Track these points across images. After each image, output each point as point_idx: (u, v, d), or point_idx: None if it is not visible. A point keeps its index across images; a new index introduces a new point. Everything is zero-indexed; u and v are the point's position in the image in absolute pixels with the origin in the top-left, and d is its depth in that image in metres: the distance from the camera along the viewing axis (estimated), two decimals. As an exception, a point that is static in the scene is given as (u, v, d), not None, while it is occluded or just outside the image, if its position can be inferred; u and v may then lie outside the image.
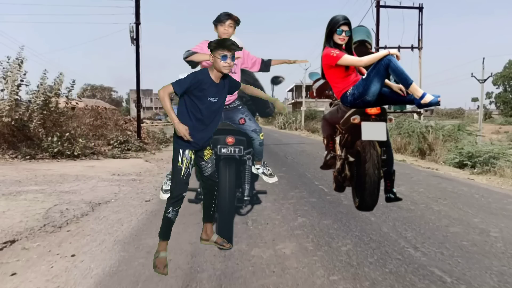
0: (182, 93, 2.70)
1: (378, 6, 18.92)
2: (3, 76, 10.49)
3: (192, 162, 2.87)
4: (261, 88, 3.74)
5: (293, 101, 55.94)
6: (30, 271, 3.05)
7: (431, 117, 27.46)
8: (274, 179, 3.55)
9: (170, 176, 3.40)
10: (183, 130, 2.68)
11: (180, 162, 2.81)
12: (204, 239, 3.14)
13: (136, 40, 15.76)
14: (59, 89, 11.53)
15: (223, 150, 3.22)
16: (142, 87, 16.55)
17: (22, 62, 10.63)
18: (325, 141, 4.26)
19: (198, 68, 3.14)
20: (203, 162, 2.96)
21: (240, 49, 2.72)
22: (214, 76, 2.75)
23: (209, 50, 2.71)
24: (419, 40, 19.43)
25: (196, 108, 2.75)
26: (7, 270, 3.06)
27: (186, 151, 2.81)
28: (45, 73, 11.14)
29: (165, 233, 2.91)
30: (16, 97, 10.56)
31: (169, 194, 3.34)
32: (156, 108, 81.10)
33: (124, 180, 7.33)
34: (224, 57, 2.66)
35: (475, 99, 60.05)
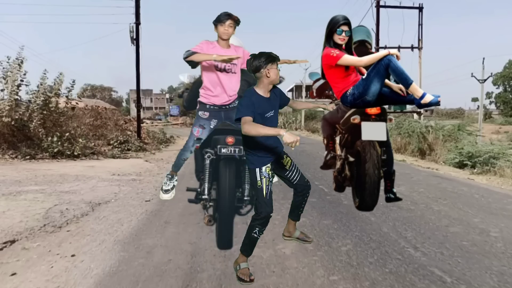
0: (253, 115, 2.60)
1: (378, 6, 18.92)
2: (3, 76, 10.49)
3: (271, 179, 2.80)
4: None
5: (293, 101, 55.87)
6: (30, 271, 3.05)
7: (431, 117, 27.48)
8: (274, 179, 3.54)
9: (170, 176, 3.41)
10: (295, 138, 2.48)
11: (259, 182, 2.73)
12: (286, 236, 3.15)
13: (136, 40, 15.76)
14: (59, 89, 11.54)
15: (223, 150, 3.22)
16: (142, 87, 16.56)
17: (22, 62, 10.63)
18: (325, 141, 4.27)
19: (198, 68, 3.14)
20: (287, 172, 2.90)
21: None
22: (263, 91, 2.71)
23: (259, 65, 2.64)
24: (419, 40, 19.44)
25: (260, 121, 2.64)
26: (7, 270, 3.06)
27: (263, 169, 2.74)
28: (45, 73, 11.16)
29: (248, 250, 2.84)
30: (16, 97, 10.56)
31: (169, 194, 3.36)
32: (156, 108, 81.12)
33: (124, 180, 7.33)
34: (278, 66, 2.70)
35: (475, 99, 60.08)
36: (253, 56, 2.66)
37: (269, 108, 2.74)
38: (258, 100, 2.67)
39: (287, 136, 2.43)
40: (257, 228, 2.76)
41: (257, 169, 2.74)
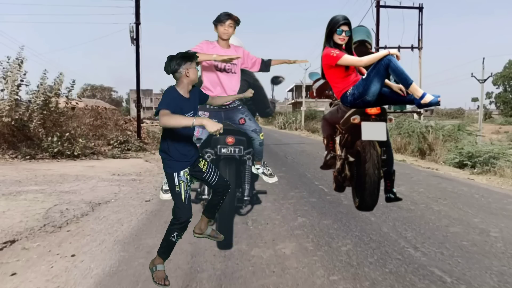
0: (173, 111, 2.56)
1: (378, 6, 18.92)
2: (3, 76, 10.49)
3: (189, 184, 2.76)
4: (261, 88, 3.74)
5: (293, 101, 55.94)
6: (30, 271, 3.05)
7: (431, 117, 27.47)
8: (274, 179, 3.55)
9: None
10: (218, 125, 2.46)
11: (177, 186, 2.70)
12: (197, 233, 3.08)
13: (136, 40, 15.75)
14: (59, 89, 11.53)
15: (223, 150, 3.22)
16: (142, 87, 16.55)
17: (22, 62, 10.63)
18: (325, 141, 4.26)
19: (199, 68, 3.14)
20: (205, 174, 2.85)
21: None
22: (184, 91, 2.67)
23: (176, 65, 2.60)
24: (419, 40, 19.43)
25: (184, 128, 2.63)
26: (7, 270, 3.06)
27: (181, 173, 2.70)
28: (45, 73, 11.15)
29: (166, 253, 2.81)
30: (16, 97, 10.56)
31: (169, 194, 3.35)
32: (156, 108, 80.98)
33: (124, 180, 7.33)
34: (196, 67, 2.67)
35: (475, 99, 60.05)
36: (171, 57, 2.61)
37: (189, 109, 2.71)
38: (179, 99, 2.64)
39: (209, 125, 2.41)
40: (175, 233, 2.73)
41: (175, 174, 2.69)
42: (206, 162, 2.86)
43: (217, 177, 2.88)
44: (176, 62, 2.59)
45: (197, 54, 2.94)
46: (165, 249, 2.77)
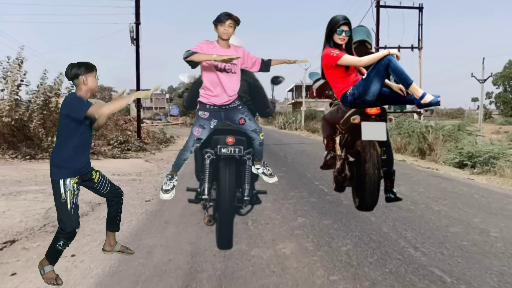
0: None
1: (378, 6, 18.92)
2: (3, 76, 10.49)
3: (76, 192, 2.74)
4: (261, 88, 3.73)
5: (293, 101, 55.92)
6: (30, 271, 3.05)
7: (431, 117, 27.47)
8: (274, 179, 3.54)
9: (170, 176, 3.40)
10: (152, 90, 2.83)
11: (63, 195, 2.68)
12: (107, 250, 3.16)
13: (136, 40, 15.76)
14: (59, 89, 11.53)
15: (223, 150, 3.21)
16: (142, 87, 16.55)
17: (22, 62, 10.63)
18: (325, 141, 4.26)
19: (198, 68, 3.14)
20: (96, 185, 2.93)
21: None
22: (86, 97, 2.79)
23: (77, 72, 2.75)
24: (419, 40, 19.44)
25: (78, 131, 2.73)
26: (7, 270, 3.06)
27: (68, 181, 2.69)
28: (45, 73, 11.16)
29: (53, 258, 2.84)
30: (16, 97, 10.56)
31: (169, 194, 3.35)
32: (156, 108, 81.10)
33: (124, 180, 7.33)
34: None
35: (475, 99, 60.04)
36: (72, 64, 2.76)
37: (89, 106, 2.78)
38: (84, 102, 2.74)
39: (140, 95, 2.88)
40: (61, 241, 2.74)
41: (61, 180, 2.69)
42: (98, 173, 2.95)
43: (109, 186, 2.99)
44: (77, 69, 2.75)
45: (197, 54, 2.95)
46: (52, 255, 2.81)
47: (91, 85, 2.78)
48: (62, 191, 2.68)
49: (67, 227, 2.70)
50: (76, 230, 2.77)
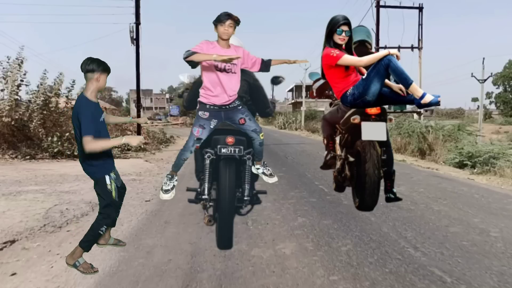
0: (95, 134, 2.87)
1: (378, 6, 18.92)
2: (3, 76, 10.50)
3: (116, 182, 3.12)
4: (261, 88, 3.73)
5: (293, 101, 55.91)
6: (30, 271, 3.06)
7: (431, 117, 27.47)
8: (274, 179, 3.54)
9: (170, 176, 3.41)
10: (140, 138, 3.03)
11: (109, 186, 3.05)
12: (101, 244, 3.42)
13: (136, 40, 15.76)
14: (59, 89, 11.53)
15: (223, 150, 3.21)
16: (142, 87, 16.55)
17: (22, 62, 10.63)
18: (325, 141, 4.27)
19: (198, 68, 3.14)
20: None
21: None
22: (92, 95, 2.97)
23: (94, 67, 2.91)
24: (419, 40, 19.45)
25: (99, 133, 2.95)
26: (7, 270, 3.06)
27: (111, 175, 3.08)
28: (45, 73, 11.16)
29: (89, 246, 3.08)
30: (16, 97, 10.57)
31: (169, 194, 3.36)
32: (156, 108, 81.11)
33: (124, 180, 7.28)
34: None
35: (475, 99, 60.05)
36: (91, 60, 2.91)
37: (101, 112, 3.04)
38: (94, 108, 2.95)
39: (132, 141, 2.96)
40: (104, 227, 3.07)
41: (107, 177, 3.05)
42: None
43: (121, 180, 3.33)
44: (96, 66, 2.91)
45: (197, 54, 2.95)
46: (91, 242, 3.08)
47: (102, 84, 2.99)
48: (109, 183, 3.05)
49: (112, 213, 3.11)
50: (116, 217, 3.24)
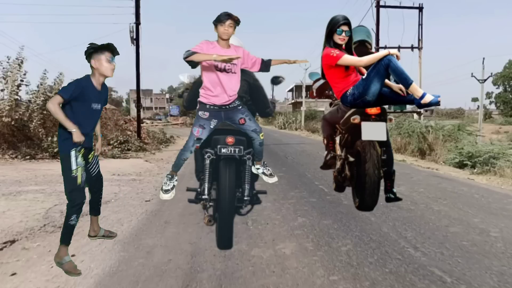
0: (68, 98, 2.80)
1: (378, 6, 18.93)
2: (3, 76, 10.49)
3: (84, 166, 2.97)
4: (261, 88, 3.73)
5: (293, 101, 55.92)
6: (30, 271, 3.05)
7: (431, 117, 27.48)
8: (274, 179, 3.54)
9: (170, 176, 3.41)
10: (81, 137, 2.83)
11: (74, 171, 2.89)
12: (92, 236, 3.44)
13: (136, 40, 15.77)
14: (59, 89, 11.50)
15: (223, 150, 3.21)
16: (142, 87, 16.57)
17: (22, 62, 10.63)
18: (325, 141, 4.27)
19: (198, 68, 3.14)
20: (89, 165, 3.15)
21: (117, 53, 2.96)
22: (97, 82, 2.93)
23: (90, 54, 2.88)
24: (419, 40, 19.45)
25: (80, 113, 2.88)
26: (7, 270, 3.06)
27: (79, 159, 2.91)
28: (45, 73, 11.16)
29: (68, 239, 3.01)
30: (16, 97, 10.56)
31: (169, 194, 3.36)
32: (156, 108, 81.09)
33: (124, 180, 7.33)
34: (112, 59, 2.93)
35: (475, 99, 60.06)
36: (85, 51, 2.88)
37: (97, 100, 2.96)
38: (90, 88, 2.88)
39: (75, 136, 2.78)
40: (73, 215, 2.96)
41: (72, 153, 2.86)
42: (93, 154, 3.17)
43: (98, 169, 3.27)
44: (87, 53, 2.88)
45: (197, 54, 2.95)
46: (67, 235, 3.00)
47: (100, 66, 2.90)
48: (74, 167, 2.89)
49: (77, 199, 2.95)
50: (84, 201, 3.02)
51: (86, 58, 2.91)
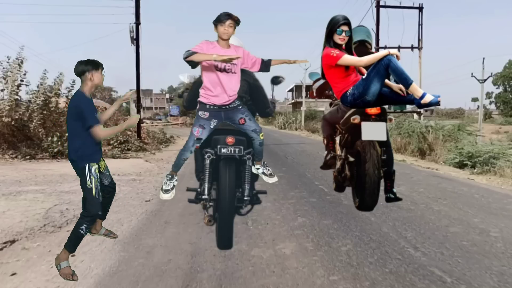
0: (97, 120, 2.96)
1: (378, 6, 18.92)
2: (3, 76, 10.50)
3: (98, 179, 3.03)
4: (261, 88, 3.73)
5: (293, 101, 55.90)
6: (30, 271, 3.06)
7: (431, 117, 27.46)
8: (274, 179, 3.54)
9: (170, 176, 3.40)
10: (137, 117, 3.14)
11: (89, 181, 2.96)
12: (93, 233, 3.45)
13: (136, 40, 15.76)
14: (59, 89, 11.54)
15: (223, 150, 3.21)
16: (142, 87, 16.57)
17: (22, 62, 10.64)
18: (325, 141, 4.26)
19: (198, 68, 3.14)
20: (102, 175, 3.19)
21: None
22: (89, 92, 3.05)
23: (84, 68, 2.98)
24: (419, 40, 19.44)
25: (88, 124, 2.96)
26: (7, 270, 3.06)
27: (93, 169, 2.98)
28: (45, 73, 11.17)
29: (73, 247, 2.98)
30: (16, 97, 10.57)
31: (169, 194, 3.35)
32: (156, 108, 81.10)
33: (124, 180, 7.33)
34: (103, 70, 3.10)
35: (475, 99, 60.02)
36: (80, 62, 3.01)
37: (94, 109, 3.07)
38: (91, 101, 3.03)
39: (131, 122, 3.16)
40: (84, 225, 2.94)
41: (86, 166, 2.95)
42: (104, 163, 3.24)
43: (111, 178, 3.36)
44: (84, 66, 2.99)
45: (197, 54, 2.95)
46: (74, 242, 2.97)
47: (96, 81, 3.05)
48: (88, 178, 2.97)
49: (91, 210, 2.96)
50: (99, 213, 3.05)
51: (79, 74, 3.00)
